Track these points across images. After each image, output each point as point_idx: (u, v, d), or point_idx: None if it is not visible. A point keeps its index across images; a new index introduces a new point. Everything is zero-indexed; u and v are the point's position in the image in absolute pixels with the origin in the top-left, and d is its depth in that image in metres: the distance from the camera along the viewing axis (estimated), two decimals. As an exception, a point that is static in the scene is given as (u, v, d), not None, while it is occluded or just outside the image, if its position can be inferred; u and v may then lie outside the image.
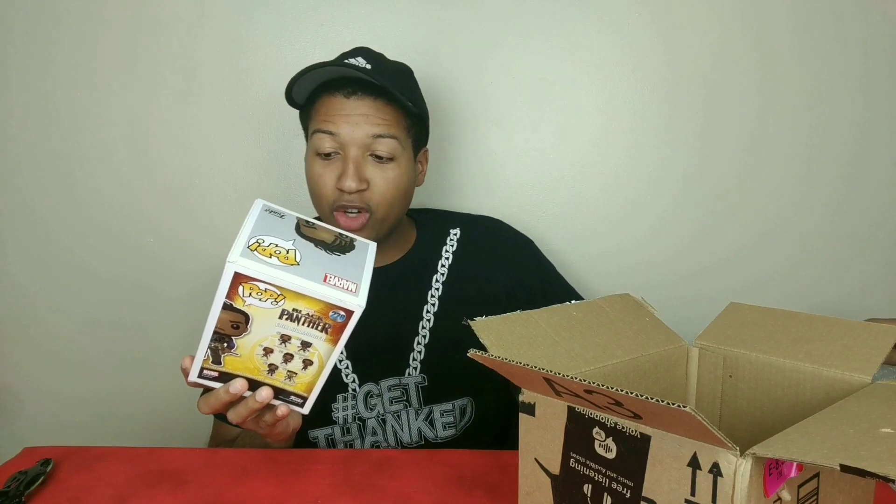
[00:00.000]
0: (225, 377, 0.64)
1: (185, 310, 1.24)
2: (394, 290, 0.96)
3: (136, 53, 1.17)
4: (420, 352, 0.96)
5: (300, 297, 0.59)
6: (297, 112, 1.20)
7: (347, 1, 1.17)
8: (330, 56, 0.95)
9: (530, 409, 0.56)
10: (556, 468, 0.54)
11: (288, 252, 0.60)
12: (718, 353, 0.64)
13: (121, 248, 1.22)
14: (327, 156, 0.90)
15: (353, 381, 0.94)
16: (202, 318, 1.29)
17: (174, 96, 1.18)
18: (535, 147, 1.22)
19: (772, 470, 0.42)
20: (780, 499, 0.43)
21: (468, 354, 0.53)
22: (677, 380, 0.66)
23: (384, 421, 0.94)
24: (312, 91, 0.93)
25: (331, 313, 0.60)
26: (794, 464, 0.43)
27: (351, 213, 0.89)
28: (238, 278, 0.58)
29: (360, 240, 0.69)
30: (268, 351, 0.62)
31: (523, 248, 1.07)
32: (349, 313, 0.61)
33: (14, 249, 1.22)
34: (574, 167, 1.23)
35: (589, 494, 0.51)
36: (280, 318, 0.60)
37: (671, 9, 1.17)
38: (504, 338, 0.58)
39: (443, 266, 1.00)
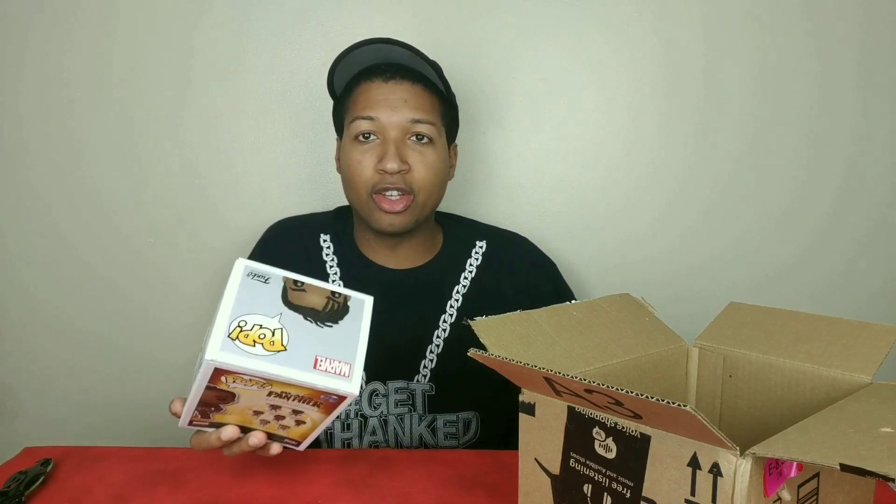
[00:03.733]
0: (215, 425, 0.63)
1: (186, 311, 1.24)
2: (415, 294, 0.96)
3: (137, 54, 1.17)
4: (432, 360, 0.95)
5: (288, 385, 0.56)
6: (297, 113, 1.20)
7: (347, 1, 1.17)
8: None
9: (530, 409, 0.56)
10: (556, 468, 0.54)
11: (274, 333, 0.56)
12: (718, 353, 0.64)
13: (121, 248, 1.22)
14: (366, 138, 0.90)
15: (361, 377, 0.94)
16: (204, 318, 1.29)
17: (175, 96, 1.18)
18: (535, 147, 1.22)
19: (772, 470, 0.42)
20: (780, 499, 0.43)
21: (468, 354, 0.53)
22: (677, 380, 0.66)
23: (386, 422, 0.94)
24: (349, 81, 0.94)
25: (322, 396, 0.58)
26: (794, 464, 0.43)
27: (392, 195, 0.89)
28: (219, 372, 0.54)
29: (354, 297, 0.63)
30: (258, 413, 0.60)
31: (545, 270, 1.06)
32: (342, 398, 0.58)
33: (15, 250, 1.22)
34: (574, 167, 1.23)
35: (589, 494, 0.51)
36: (268, 395, 0.58)
37: (671, 9, 1.18)
38: (504, 338, 0.58)
39: (465, 279, 0.99)
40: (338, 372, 0.57)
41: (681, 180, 1.23)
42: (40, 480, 0.70)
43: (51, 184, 1.20)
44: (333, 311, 0.60)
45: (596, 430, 0.50)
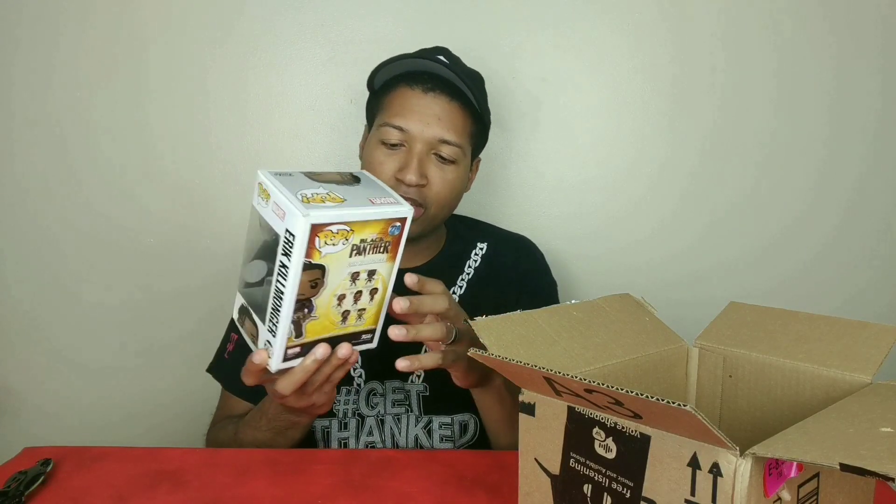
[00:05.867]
0: (305, 349, 0.67)
1: (187, 311, 1.24)
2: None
3: (138, 54, 1.17)
4: None
5: (365, 225, 0.63)
6: (296, 113, 1.20)
7: (347, 1, 1.17)
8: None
9: (530, 409, 0.55)
10: (556, 468, 0.54)
11: (329, 194, 0.64)
12: (718, 353, 0.64)
13: (121, 248, 1.22)
14: (392, 146, 0.90)
15: (360, 375, 0.94)
16: (202, 319, 1.29)
17: (175, 95, 1.19)
18: (536, 147, 1.22)
19: (772, 470, 0.42)
20: (780, 499, 0.43)
21: (468, 353, 0.53)
22: (677, 380, 0.66)
23: (383, 422, 0.94)
24: (390, 80, 0.94)
25: (389, 229, 0.65)
26: (794, 464, 0.43)
27: None
28: (314, 230, 0.60)
29: (356, 171, 0.74)
30: (341, 298, 0.66)
31: (542, 278, 1.06)
32: (403, 221, 0.66)
33: (14, 250, 1.22)
34: (576, 168, 1.22)
35: (589, 494, 0.51)
36: (350, 255, 0.64)
37: (678, 4, 1.17)
38: (504, 337, 0.58)
39: (462, 280, 0.99)
40: (390, 202, 0.66)
41: (687, 184, 1.22)
42: (40, 480, 0.70)
43: (47, 182, 1.20)
44: (350, 180, 0.70)
45: (596, 430, 0.50)
